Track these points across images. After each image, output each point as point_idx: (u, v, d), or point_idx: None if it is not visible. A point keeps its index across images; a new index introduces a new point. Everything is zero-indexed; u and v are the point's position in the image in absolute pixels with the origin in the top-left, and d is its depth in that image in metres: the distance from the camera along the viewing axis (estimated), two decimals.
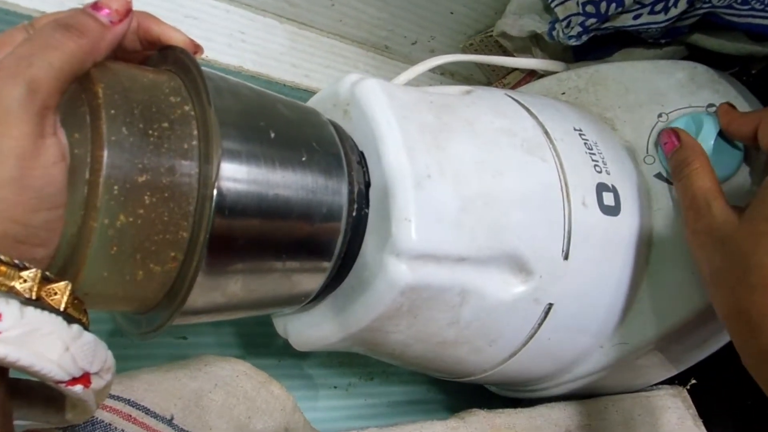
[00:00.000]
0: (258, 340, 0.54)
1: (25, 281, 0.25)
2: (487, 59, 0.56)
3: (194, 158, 0.31)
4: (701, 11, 0.55)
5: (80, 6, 0.32)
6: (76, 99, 0.30)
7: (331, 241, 0.37)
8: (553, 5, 0.57)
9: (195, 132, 0.31)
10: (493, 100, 0.47)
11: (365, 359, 0.59)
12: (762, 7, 0.52)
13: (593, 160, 0.47)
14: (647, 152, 0.51)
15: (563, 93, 0.57)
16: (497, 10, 0.67)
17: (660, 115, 0.52)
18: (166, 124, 0.30)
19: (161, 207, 0.29)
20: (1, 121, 0.26)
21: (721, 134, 0.48)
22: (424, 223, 0.37)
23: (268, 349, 0.54)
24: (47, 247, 0.27)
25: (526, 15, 0.61)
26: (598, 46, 0.61)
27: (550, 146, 0.45)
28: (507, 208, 0.41)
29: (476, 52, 0.69)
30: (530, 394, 0.54)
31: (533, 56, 0.64)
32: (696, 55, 0.61)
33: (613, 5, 0.55)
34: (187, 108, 0.32)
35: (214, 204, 0.30)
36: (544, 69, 0.58)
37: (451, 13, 0.67)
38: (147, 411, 0.37)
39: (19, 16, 0.55)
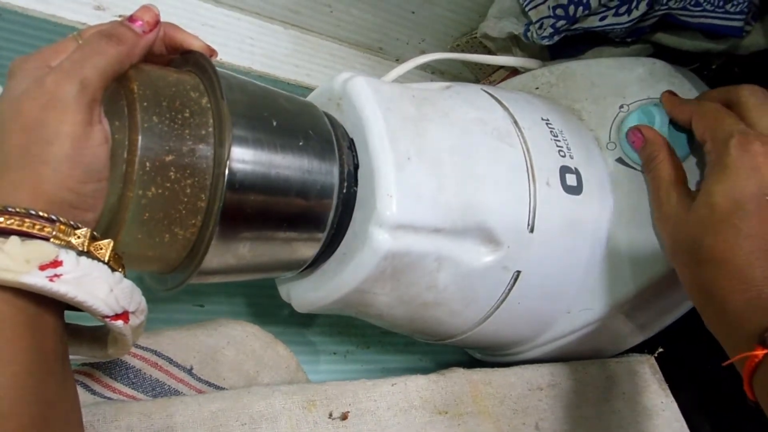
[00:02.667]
0: (266, 310, 0.61)
1: (78, 237, 0.32)
2: (468, 57, 0.62)
3: (210, 142, 0.37)
4: (659, 12, 0.61)
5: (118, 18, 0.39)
6: (117, 94, 0.37)
7: (324, 214, 0.44)
8: (527, 9, 0.63)
9: (211, 121, 0.38)
10: (469, 94, 0.54)
11: (362, 329, 0.66)
12: (712, 8, 0.59)
13: (558, 146, 0.53)
14: (609, 139, 0.57)
15: (537, 88, 0.63)
16: (481, 14, 0.73)
17: (621, 106, 0.58)
18: (187, 114, 0.37)
19: (184, 181, 0.36)
20: (61, 110, 0.32)
21: (672, 121, 0.54)
22: (404, 198, 0.43)
23: (275, 318, 0.61)
24: (95, 212, 0.34)
25: (505, 18, 0.67)
26: (570, 45, 0.67)
27: (518, 134, 0.52)
28: (478, 186, 0.47)
29: (462, 52, 0.75)
30: (508, 358, 0.60)
31: (513, 54, 0.71)
32: (660, 52, 0.67)
33: (581, 8, 0.62)
34: (204, 101, 0.38)
35: (226, 180, 0.37)
36: (521, 66, 0.64)
37: (440, 17, 0.74)
38: (170, 361, 0.44)
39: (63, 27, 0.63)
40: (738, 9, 0.57)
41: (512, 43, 0.70)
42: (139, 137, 0.35)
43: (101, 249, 0.33)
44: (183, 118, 0.37)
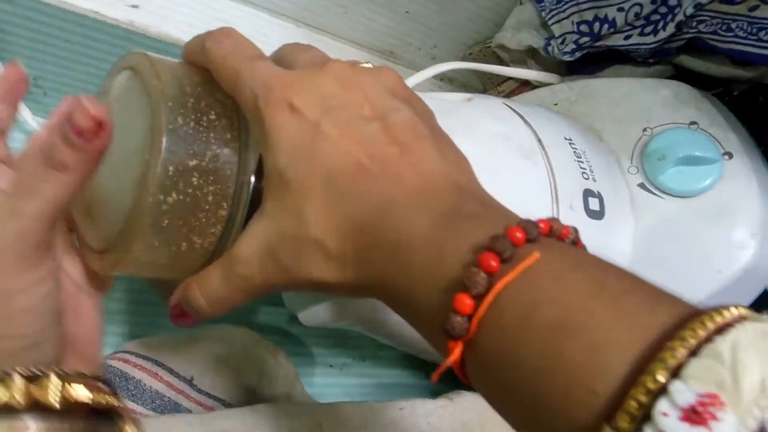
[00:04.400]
0: (265, 319, 0.58)
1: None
2: (487, 68, 0.60)
3: (235, 147, 0.35)
4: (688, 35, 0.59)
5: None
6: (136, 87, 0.34)
7: None
8: (549, 23, 0.61)
9: (236, 124, 0.35)
10: (491, 107, 0.52)
11: (358, 341, 0.63)
12: (744, 35, 0.57)
13: (581, 168, 0.51)
14: (632, 162, 0.55)
15: (556, 104, 0.61)
16: (497, 23, 0.71)
17: (645, 130, 0.56)
18: (213, 116, 0.34)
19: (206, 188, 0.33)
20: None
21: (694, 152, 0.52)
22: None
23: (273, 328, 0.58)
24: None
25: (524, 30, 0.65)
26: (590, 61, 0.65)
27: (542, 152, 0.49)
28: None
29: (475, 61, 0.73)
30: None
31: (528, 67, 0.69)
32: (682, 74, 0.65)
33: (606, 26, 0.60)
34: (230, 102, 0.36)
35: (251, 188, 0.34)
36: (539, 80, 0.62)
37: (454, 24, 0.71)
38: (171, 371, 0.41)
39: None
40: None
41: (528, 56, 0.68)
42: (164, 139, 0.32)
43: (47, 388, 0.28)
44: (208, 120, 0.34)
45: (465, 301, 0.26)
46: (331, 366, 0.61)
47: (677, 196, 0.53)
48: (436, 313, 0.28)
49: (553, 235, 0.29)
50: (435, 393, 0.65)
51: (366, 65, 0.36)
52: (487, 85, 0.78)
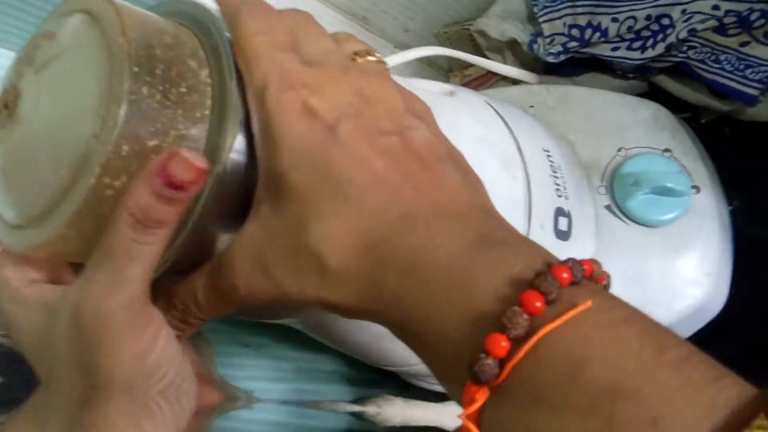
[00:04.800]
0: None
1: None
2: (469, 58, 0.57)
3: (204, 128, 0.30)
4: (675, 59, 0.57)
5: None
6: (97, 39, 0.29)
7: None
8: (540, 20, 0.58)
9: (209, 101, 0.31)
10: (474, 106, 0.48)
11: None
12: (731, 69, 0.55)
13: (556, 184, 0.49)
14: (601, 182, 0.53)
15: (532, 106, 0.58)
16: (479, 6, 0.67)
17: (620, 150, 0.54)
18: (183, 89, 0.30)
19: None
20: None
21: (667, 183, 0.51)
22: None
23: None
24: None
25: (510, 20, 0.62)
26: (568, 64, 0.63)
27: (522, 164, 0.47)
28: None
29: (449, 41, 0.70)
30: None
31: (504, 58, 0.65)
32: (654, 92, 0.63)
33: (597, 34, 0.57)
34: (203, 74, 0.31)
35: (220, 176, 0.30)
36: (519, 78, 0.59)
37: None
38: None
39: None
40: (757, 77, 0.55)
41: (506, 47, 0.65)
42: (122, 111, 0.27)
43: None
44: (178, 94, 0.29)
45: (500, 343, 0.23)
46: (247, 346, 0.57)
47: (641, 224, 0.52)
48: (458, 349, 0.25)
49: (592, 278, 0.26)
50: (352, 382, 0.63)
51: (377, 60, 0.33)
52: (453, 66, 0.75)
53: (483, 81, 0.68)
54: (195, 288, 0.32)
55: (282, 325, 0.60)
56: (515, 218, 0.45)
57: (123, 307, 0.28)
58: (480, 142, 0.45)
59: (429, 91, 0.47)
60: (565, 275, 0.24)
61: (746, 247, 0.56)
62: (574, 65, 0.63)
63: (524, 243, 0.28)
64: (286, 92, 0.29)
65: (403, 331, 0.28)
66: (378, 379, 0.63)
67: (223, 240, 0.34)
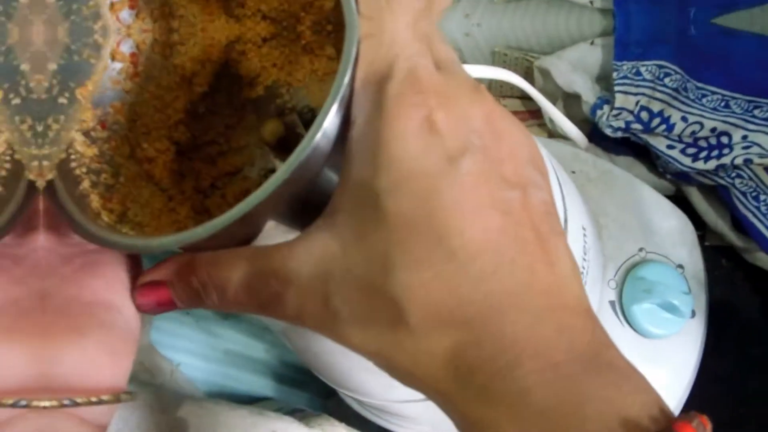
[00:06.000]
0: None
1: None
2: (539, 97, 0.53)
3: None
4: (720, 181, 0.56)
5: None
6: None
7: None
8: (615, 88, 0.56)
9: None
10: None
11: None
12: (766, 211, 0.55)
13: (582, 267, 0.47)
14: (614, 276, 0.52)
15: (574, 172, 0.56)
16: (551, 42, 0.64)
17: (641, 250, 0.53)
18: None
19: None
20: None
21: (675, 300, 0.50)
22: None
23: None
24: None
25: (581, 73, 0.59)
26: (614, 140, 0.61)
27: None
28: None
29: (504, 63, 0.66)
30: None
31: (555, 105, 0.62)
32: (677, 198, 0.62)
33: (663, 126, 0.55)
34: None
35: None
36: (572, 137, 0.56)
37: (511, 12, 0.64)
38: None
39: None
40: None
41: (562, 96, 0.62)
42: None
43: None
44: None
45: None
46: (187, 314, 0.53)
47: (635, 329, 0.51)
48: None
49: None
50: (278, 378, 0.59)
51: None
52: (492, 89, 0.71)
53: (520, 119, 0.65)
54: (228, 278, 0.27)
55: None
56: None
57: None
58: None
59: None
60: None
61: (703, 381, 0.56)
62: (618, 143, 0.61)
63: (632, 372, 0.24)
64: (412, 94, 0.24)
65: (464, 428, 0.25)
66: (304, 381, 0.59)
67: (273, 228, 0.30)
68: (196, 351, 0.54)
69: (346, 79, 0.25)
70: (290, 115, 0.34)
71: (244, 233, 0.29)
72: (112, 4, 0.32)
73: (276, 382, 0.58)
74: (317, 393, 0.60)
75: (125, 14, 0.33)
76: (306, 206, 0.28)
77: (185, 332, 0.53)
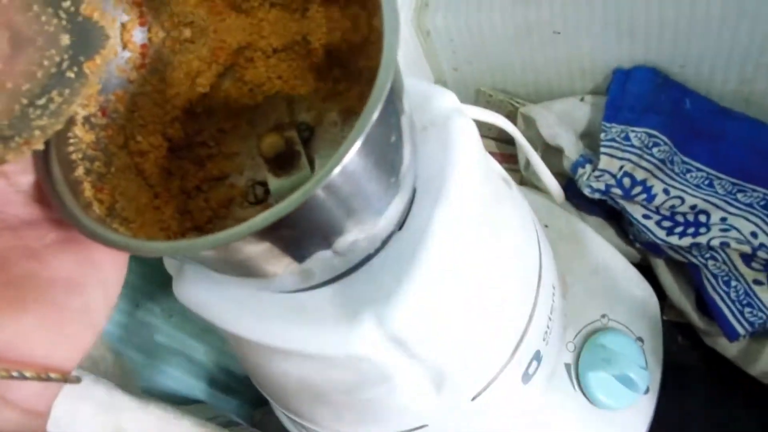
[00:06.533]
0: None
1: None
2: (525, 144, 0.50)
3: None
4: (693, 260, 0.55)
5: None
6: None
7: None
8: (601, 150, 0.54)
9: None
10: (521, 210, 0.44)
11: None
12: (734, 298, 0.54)
13: (547, 326, 0.45)
14: (573, 339, 0.50)
15: (546, 226, 0.54)
16: (537, 89, 0.63)
17: (603, 316, 0.51)
18: None
19: None
20: None
21: (632, 374, 0.48)
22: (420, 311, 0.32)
23: None
24: None
25: (566, 128, 0.58)
26: (589, 198, 0.59)
27: (536, 292, 0.42)
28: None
29: (487, 104, 0.65)
30: None
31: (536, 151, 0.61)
32: (642, 268, 0.61)
33: (644, 195, 0.54)
34: None
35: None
36: (549, 188, 0.54)
37: (497, 52, 0.62)
38: None
39: None
40: (752, 319, 0.53)
41: (542, 145, 0.61)
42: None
43: None
44: None
45: None
46: (137, 306, 0.50)
47: (586, 397, 0.49)
48: None
49: None
50: (210, 383, 0.56)
51: None
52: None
53: (497, 157, 0.63)
54: None
55: (172, 300, 0.53)
56: (503, 348, 0.40)
57: None
58: (514, 251, 0.40)
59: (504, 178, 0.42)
60: None
61: None
62: (591, 202, 0.59)
63: None
64: None
65: None
66: (237, 388, 0.57)
67: None
68: (139, 344, 0.51)
69: (375, 115, 0.24)
70: (289, 131, 0.34)
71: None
72: (123, 25, 0.33)
73: (209, 386, 0.55)
74: (248, 401, 0.58)
75: (137, 33, 0.34)
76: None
77: (130, 324, 0.50)
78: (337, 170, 0.23)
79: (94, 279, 0.28)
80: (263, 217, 0.24)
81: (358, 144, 0.23)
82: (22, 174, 0.29)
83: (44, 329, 0.26)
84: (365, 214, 0.29)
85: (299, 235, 0.27)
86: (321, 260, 0.30)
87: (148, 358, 0.51)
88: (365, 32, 0.32)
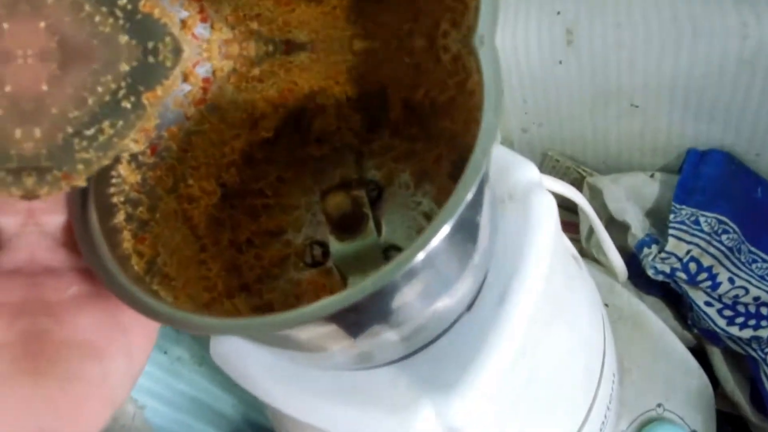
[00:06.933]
0: None
1: None
2: (595, 219, 0.49)
3: None
4: (752, 352, 0.53)
5: None
6: None
7: None
8: (669, 232, 0.53)
9: None
10: (590, 293, 0.42)
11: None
12: None
13: (605, 416, 0.43)
14: (626, 429, 0.48)
15: (607, 305, 0.53)
16: (606, 161, 0.61)
17: (659, 405, 0.50)
18: None
19: None
20: None
21: None
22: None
23: None
24: None
25: (634, 205, 0.56)
26: (651, 281, 0.58)
27: (598, 378, 0.41)
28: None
29: (552, 169, 0.63)
30: None
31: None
32: (696, 353, 0.59)
33: (708, 282, 0.52)
34: None
35: None
36: (613, 265, 0.53)
37: (572, 116, 0.61)
38: None
39: None
40: None
41: (605, 218, 0.59)
42: None
43: None
44: None
45: None
46: (165, 353, 0.49)
47: None
48: None
49: None
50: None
51: None
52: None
53: (564, 225, 0.61)
54: None
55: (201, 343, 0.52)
56: None
57: None
58: (580, 337, 0.39)
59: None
60: None
61: None
62: (650, 282, 0.58)
63: None
64: None
65: None
66: None
67: None
68: (163, 394, 0.49)
69: (469, 196, 0.21)
70: (357, 190, 0.31)
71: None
72: (183, 22, 0.30)
73: None
74: None
75: (200, 29, 0.30)
76: None
77: (156, 372, 0.48)
78: (421, 255, 0.21)
79: (118, 345, 0.25)
80: (337, 300, 0.21)
81: (447, 228, 0.22)
82: (50, 213, 0.25)
83: (51, 403, 0.23)
84: (437, 299, 0.28)
85: (363, 319, 0.25)
86: (382, 343, 0.28)
87: (173, 411, 0.49)
88: (453, 93, 0.30)
